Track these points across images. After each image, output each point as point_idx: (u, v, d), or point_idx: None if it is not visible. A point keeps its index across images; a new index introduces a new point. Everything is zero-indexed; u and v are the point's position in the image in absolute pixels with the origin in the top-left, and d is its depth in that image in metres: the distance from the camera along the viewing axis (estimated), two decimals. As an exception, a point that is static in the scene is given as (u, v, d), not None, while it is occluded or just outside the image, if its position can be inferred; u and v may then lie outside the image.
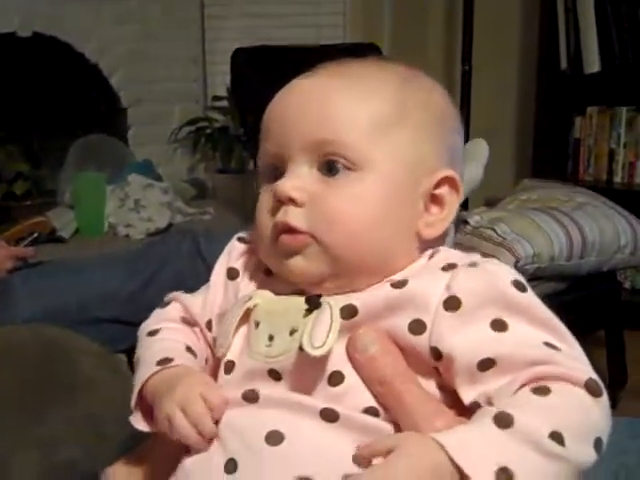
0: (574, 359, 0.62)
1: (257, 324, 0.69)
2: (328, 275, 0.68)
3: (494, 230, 2.10)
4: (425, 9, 3.50)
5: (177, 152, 3.45)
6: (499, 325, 0.63)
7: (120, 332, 1.61)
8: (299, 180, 0.68)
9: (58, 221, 2.55)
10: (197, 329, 0.78)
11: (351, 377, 0.65)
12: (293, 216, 0.68)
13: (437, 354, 0.64)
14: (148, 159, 3.05)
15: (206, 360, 0.76)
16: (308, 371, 0.66)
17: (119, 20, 3.18)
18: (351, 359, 0.66)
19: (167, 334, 0.77)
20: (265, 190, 0.72)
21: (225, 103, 3.39)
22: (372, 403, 0.65)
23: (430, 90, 0.73)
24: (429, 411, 0.64)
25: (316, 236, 0.67)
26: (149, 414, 0.72)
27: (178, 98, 3.45)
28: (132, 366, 1.40)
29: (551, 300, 2.06)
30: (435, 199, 0.71)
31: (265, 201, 0.71)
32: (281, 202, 0.68)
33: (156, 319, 0.79)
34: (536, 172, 2.99)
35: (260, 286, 0.74)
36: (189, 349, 0.75)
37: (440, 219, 0.71)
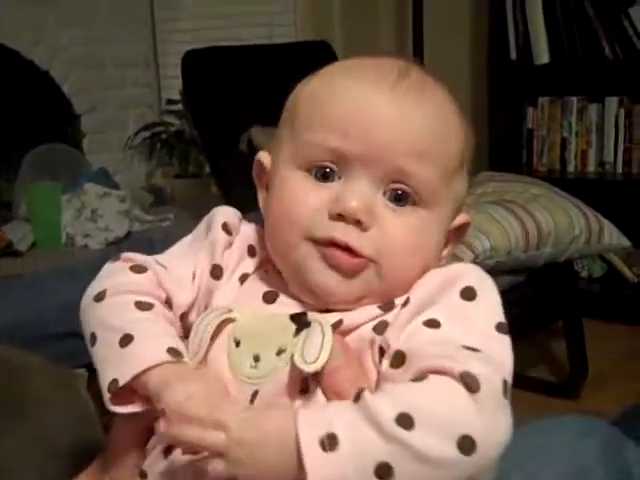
0: (479, 359, 0.61)
1: (237, 343, 0.68)
2: (362, 297, 0.68)
3: (451, 225, 2.12)
4: (375, 5, 3.51)
5: (133, 159, 3.43)
6: (432, 323, 0.65)
7: (80, 347, 1.60)
8: (366, 199, 0.66)
9: (14, 234, 2.51)
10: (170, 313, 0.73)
11: (316, 391, 0.66)
12: (356, 239, 0.66)
13: (382, 353, 0.66)
14: (104, 167, 3.03)
15: None
16: (283, 388, 0.66)
17: (66, 24, 3.14)
18: (316, 374, 0.65)
19: (162, 316, 0.71)
20: (304, 179, 0.68)
21: (180, 107, 3.37)
22: None
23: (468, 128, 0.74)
24: None
25: (377, 261, 0.67)
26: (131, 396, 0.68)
27: (132, 103, 3.42)
28: (91, 381, 1.38)
29: (510, 293, 2.08)
30: (447, 241, 0.73)
31: (305, 191, 0.68)
32: (342, 217, 0.66)
33: (136, 286, 0.72)
34: (492, 164, 3.02)
35: (242, 292, 0.73)
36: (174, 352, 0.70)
37: (443, 256, 0.73)
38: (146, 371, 0.66)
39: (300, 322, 0.67)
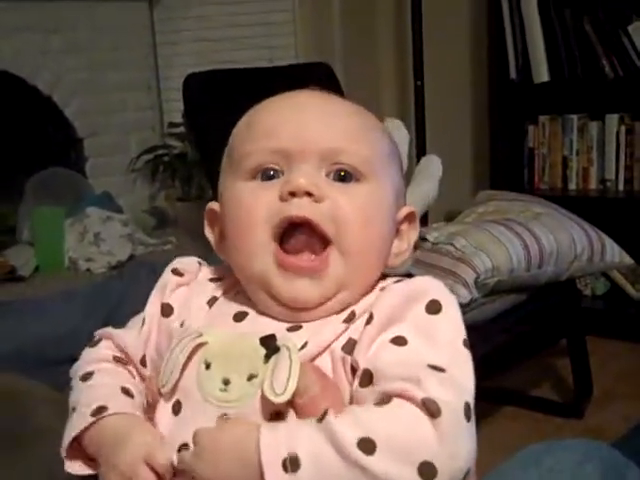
0: (443, 382, 0.62)
1: (208, 365, 0.69)
2: (333, 295, 0.70)
3: (453, 245, 2.12)
4: (374, 26, 3.53)
5: (136, 182, 3.44)
6: (399, 340, 0.65)
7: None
8: (311, 178, 0.69)
9: (17, 259, 2.52)
10: (131, 367, 0.78)
11: (292, 418, 0.66)
12: (314, 210, 0.68)
13: (353, 372, 0.67)
14: (107, 191, 3.04)
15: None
16: (254, 414, 0.66)
17: (69, 50, 3.17)
18: (292, 402, 0.66)
19: (100, 378, 0.76)
20: (252, 185, 0.71)
21: (182, 129, 3.38)
22: None
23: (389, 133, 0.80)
24: None
25: (338, 238, 0.69)
26: (88, 458, 0.73)
27: (134, 127, 3.43)
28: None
29: (512, 312, 2.08)
30: (397, 232, 0.76)
31: (256, 194, 0.71)
32: (293, 195, 0.68)
33: (87, 360, 0.79)
34: (494, 183, 3.03)
35: (205, 320, 0.74)
36: (125, 390, 0.75)
37: (401, 251, 0.76)
38: (78, 438, 0.72)
39: (269, 346, 0.67)
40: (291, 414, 0.66)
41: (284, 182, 0.69)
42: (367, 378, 0.64)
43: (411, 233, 0.77)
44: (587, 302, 2.91)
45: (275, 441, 0.59)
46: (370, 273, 0.72)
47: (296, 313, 0.70)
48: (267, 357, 0.67)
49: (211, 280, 0.78)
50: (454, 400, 0.61)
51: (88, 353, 0.80)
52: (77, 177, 3.10)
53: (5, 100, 3.08)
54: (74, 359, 1.70)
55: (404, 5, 3.28)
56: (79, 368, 0.79)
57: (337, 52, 3.39)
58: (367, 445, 0.57)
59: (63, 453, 0.73)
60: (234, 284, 0.75)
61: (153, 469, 0.67)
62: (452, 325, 0.67)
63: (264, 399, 0.66)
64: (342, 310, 0.71)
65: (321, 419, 0.60)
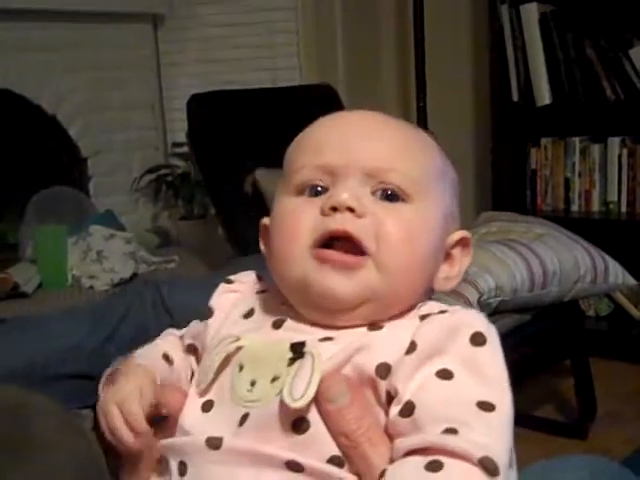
0: (493, 427, 0.62)
1: (241, 367, 0.70)
2: (365, 300, 0.69)
3: (456, 265, 2.12)
4: (378, 48, 3.55)
5: (139, 201, 3.45)
6: (445, 374, 0.65)
7: (83, 388, 1.60)
8: (356, 192, 0.70)
9: (20, 276, 2.52)
10: (173, 366, 0.79)
11: (317, 425, 0.66)
12: (355, 225, 0.69)
13: (390, 398, 0.66)
14: (110, 209, 3.05)
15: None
16: (276, 417, 0.66)
17: (73, 70, 3.19)
18: (320, 407, 0.66)
19: (158, 340, 0.81)
20: (298, 200, 0.72)
21: (185, 149, 3.40)
22: (337, 452, 0.65)
23: (451, 165, 0.79)
24: None
25: (374, 254, 0.69)
26: None
27: (138, 146, 3.45)
28: (96, 422, 1.38)
29: (516, 333, 2.08)
30: (448, 257, 0.75)
31: (300, 209, 0.71)
32: (335, 210, 0.69)
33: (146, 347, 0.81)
34: (496, 204, 3.04)
35: (243, 327, 0.74)
36: (166, 356, 0.77)
37: (451, 276, 0.75)
38: None
39: (296, 351, 0.68)
40: (315, 420, 0.66)
41: (327, 197, 0.70)
42: (409, 409, 0.64)
43: (464, 259, 0.76)
44: (591, 323, 2.91)
45: None
46: (406, 293, 0.71)
47: (331, 316, 0.70)
48: (291, 361, 0.68)
49: (258, 292, 0.79)
50: (504, 447, 0.62)
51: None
52: (80, 196, 3.11)
53: (9, 119, 3.10)
54: (77, 375, 1.70)
55: (407, 27, 3.31)
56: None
57: (340, 74, 3.41)
58: None
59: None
60: (280, 295, 0.76)
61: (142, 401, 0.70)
62: (497, 358, 0.67)
63: (281, 404, 0.66)
64: (373, 324, 0.71)
65: None
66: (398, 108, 3.48)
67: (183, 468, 0.68)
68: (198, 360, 0.78)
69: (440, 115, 3.19)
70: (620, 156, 2.99)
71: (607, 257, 2.26)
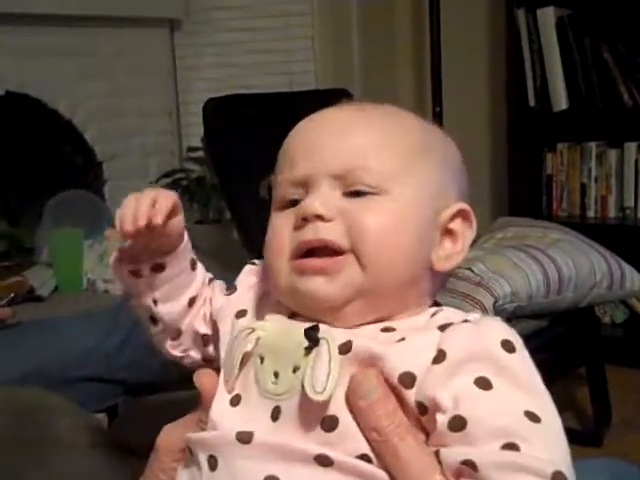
0: (547, 442, 0.62)
1: (262, 359, 0.70)
2: (352, 298, 0.69)
3: (471, 270, 2.11)
4: (394, 53, 3.55)
5: (154, 205, 3.45)
6: (483, 383, 0.63)
7: (99, 391, 1.60)
8: (325, 198, 0.70)
9: (36, 280, 2.53)
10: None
11: (346, 421, 0.65)
12: (326, 231, 0.69)
13: (422, 408, 0.65)
14: (125, 213, 3.05)
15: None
16: (306, 412, 0.66)
17: (90, 75, 3.20)
18: (350, 404, 0.65)
19: None
20: (280, 216, 0.74)
21: (201, 154, 3.41)
22: (366, 450, 0.65)
23: (447, 139, 0.78)
24: (423, 466, 0.64)
25: (353, 250, 0.69)
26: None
27: (154, 150, 3.46)
28: (111, 425, 1.39)
29: (532, 338, 2.06)
30: (449, 232, 0.73)
31: (280, 225, 0.73)
32: (306, 220, 0.70)
33: None
34: (512, 209, 3.03)
35: (260, 316, 0.75)
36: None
37: (454, 252, 0.73)
38: None
39: (311, 338, 0.68)
40: (344, 415, 0.66)
41: (297, 208, 0.71)
42: (459, 424, 0.62)
43: (467, 233, 0.73)
44: (606, 330, 2.89)
45: None
46: (398, 281, 0.70)
47: (325, 316, 0.70)
48: (307, 349, 0.68)
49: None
50: (567, 458, 0.62)
51: None
52: (96, 200, 3.12)
53: (26, 123, 3.12)
54: (92, 378, 1.70)
55: (423, 31, 3.30)
56: None
57: (356, 78, 3.41)
58: None
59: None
60: None
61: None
62: (529, 364, 0.66)
63: (305, 394, 0.66)
64: (374, 322, 0.71)
65: None
66: (414, 113, 3.47)
67: (213, 462, 0.68)
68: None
69: (456, 120, 3.19)
70: (637, 161, 2.97)
71: (623, 263, 2.24)
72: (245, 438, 0.66)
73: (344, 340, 0.67)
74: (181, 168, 3.50)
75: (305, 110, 2.80)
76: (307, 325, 0.69)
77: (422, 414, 0.65)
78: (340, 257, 0.69)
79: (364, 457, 0.65)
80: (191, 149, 3.49)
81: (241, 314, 0.77)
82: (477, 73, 3.37)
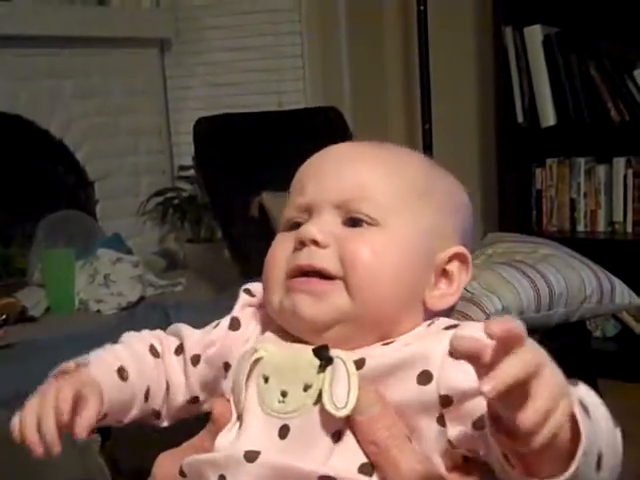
0: None
1: (266, 379, 0.72)
2: (336, 322, 0.71)
3: (462, 286, 2.12)
4: (383, 71, 3.58)
5: (146, 224, 3.46)
6: None
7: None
8: (323, 225, 0.73)
9: (28, 300, 2.53)
10: (163, 359, 0.81)
11: (348, 434, 0.68)
12: (319, 257, 0.72)
13: (446, 400, 0.66)
14: (117, 233, 3.06)
15: (168, 387, 0.80)
16: (319, 428, 0.68)
17: (81, 95, 3.22)
18: (349, 419, 0.67)
19: (119, 348, 0.81)
20: (283, 236, 0.76)
21: (192, 172, 3.42)
22: (366, 460, 0.67)
23: (452, 181, 0.80)
24: (424, 477, 0.66)
25: (342, 277, 0.71)
26: None
27: (145, 170, 3.47)
28: (104, 446, 1.38)
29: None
30: (445, 274, 0.75)
31: (281, 245, 0.75)
32: (303, 244, 0.72)
33: (131, 336, 0.83)
34: (502, 225, 3.04)
35: (262, 339, 0.76)
36: (120, 370, 0.78)
37: (448, 293, 0.75)
38: None
39: (322, 357, 0.69)
40: (346, 429, 0.67)
41: (296, 232, 0.74)
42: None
43: (462, 275, 0.76)
44: (598, 344, 2.90)
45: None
46: (386, 311, 0.72)
47: (310, 337, 0.72)
48: (321, 367, 0.69)
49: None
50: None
51: (135, 332, 0.84)
52: (88, 219, 3.13)
53: (18, 144, 3.13)
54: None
55: (412, 50, 3.33)
56: (126, 335, 0.83)
57: (345, 97, 3.43)
58: (600, 461, 0.60)
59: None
60: None
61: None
62: None
63: (323, 412, 0.67)
64: (368, 344, 0.72)
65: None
66: (404, 130, 3.50)
67: None
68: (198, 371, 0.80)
69: (446, 137, 3.21)
70: (625, 176, 3.00)
71: (613, 277, 2.25)
72: (252, 457, 0.67)
73: (356, 357, 0.69)
74: (172, 187, 3.51)
75: (295, 129, 2.83)
76: (311, 347, 0.71)
77: (446, 406, 0.66)
78: (328, 282, 0.71)
79: (364, 467, 0.67)
80: (182, 168, 3.50)
81: (235, 327, 0.79)
82: (466, 91, 3.39)
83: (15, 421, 0.72)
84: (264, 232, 2.56)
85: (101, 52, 3.28)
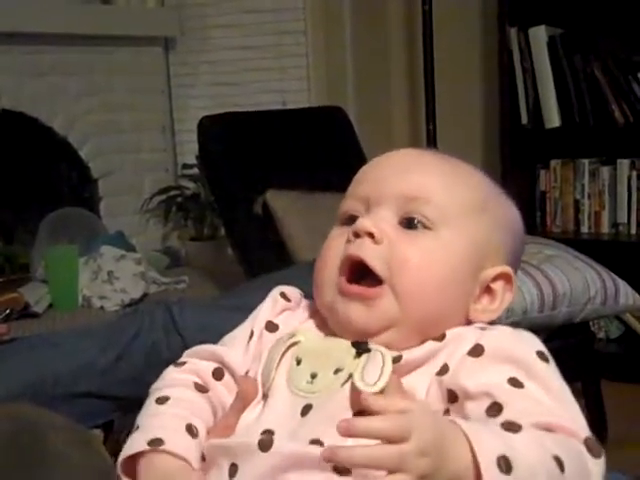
0: (577, 423, 0.66)
1: (298, 362, 0.73)
2: (385, 329, 0.72)
3: (466, 286, 2.12)
4: (387, 70, 3.57)
5: (149, 222, 3.46)
6: (515, 382, 0.67)
7: (94, 407, 1.60)
8: (379, 221, 0.74)
9: (31, 296, 2.53)
10: (212, 393, 0.79)
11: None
12: (369, 252, 0.72)
13: (452, 396, 0.68)
14: (120, 230, 3.06)
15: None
16: (339, 406, 0.68)
17: (85, 93, 3.22)
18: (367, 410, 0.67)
19: (171, 407, 0.77)
20: (338, 231, 0.77)
21: (195, 171, 3.42)
22: None
23: (509, 203, 0.82)
24: None
25: (389, 281, 0.72)
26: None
27: (148, 168, 3.47)
28: (107, 441, 1.39)
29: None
30: (489, 291, 0.77)
31: (335, 240, 0.76)
32: (357, 236, 0.73)
33: (168, 381, 0.80)
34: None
35: (302, 327, 0.78)
36: (189, 428, 0.75)
37: (490, 310, 0.76)
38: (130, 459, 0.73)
39: (361, 347, 0.71)
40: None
41: (352, 226, 0.74)
42: (496, 408, 0.65)
43: (506, 294, 0.77)
44: (601, 345, 2.90)
45: (486, 440, 0.59)
46: (430, 318, 0.73)
47: (359, 339, 0.73)
48: (358, 354, 0.70)
49: (309, 311, 0.81)
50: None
51: (169, 373, 0.81)
52: (91, 217, 3.13)
53: (22, 141, 3.13)
54: (87, 394, 1.70)
55: (416, 49, 3.33)
56: (157, 388, 0.80)
57: (350, 96, 3.43)
58: (560, 463, 0.60)
59: (119, 468, 0.75)
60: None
61: None
62: (560, 377, 0.69)
63: (349, 393, 0.68)
64: (418, 344, 0.73)
65: (507, 428, 0.62)
66: (408, 130, 3.50)
67: (234, 470, 0.69)
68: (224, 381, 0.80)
69: (449, 138, 3.20)
70: (630, 178, 2.99)
71: (617, 278, 2.25)
72: (266, 444, 0.67)
73: (395, 355, 0.70)
74: (176, 185, 3.51)
75: (299, 128, 2.83)
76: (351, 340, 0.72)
77: (452, 401, 0.68)
78: (378, 287, 0.72)
79: None
80: (186, 166, 3.50)
81: (272, 329, 0.79)
82: (470, 91, 3.39)
83: None
84: (268, 230, 2.56)
85: (106, 50, 3.28)
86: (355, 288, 0.72)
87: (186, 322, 1.77)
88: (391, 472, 0.57)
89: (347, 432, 0.58)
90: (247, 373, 0.78)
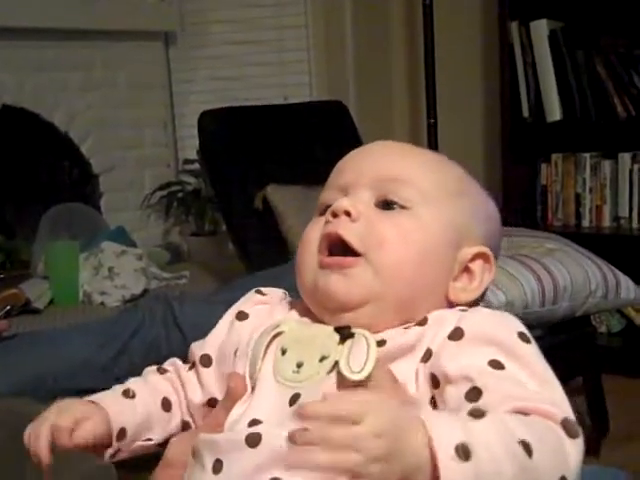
0: (556, 404, 0.64)
1: (284, 352, 0.73)
2: (365, 301, 0.72)
3: (467, 280, 2.11)
4: (388, 65, 3.57)
5: (150, 217, 3.46)
6: (496, 364, 0.67)
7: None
8: (355, 202, 0.75)
9: (32, 292, 2.53)
10: (170, 375, 0.83)
11: None
12: (346, 228, 0.74)
13: (435, 381, 0.68)
14: (121, 226, 3.06)
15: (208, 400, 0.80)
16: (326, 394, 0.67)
17: (86, 88, 3.22)
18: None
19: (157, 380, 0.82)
20: (316, 220, 0.78)
21: (196, 166, 3.42)
22: None
23: (486, 195, 0.83)
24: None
25: (367, 254, 0.73)
26: None
27: (149, 163, 3.47)
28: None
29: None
30: (468, 271, 0.77)
31: (314, 227, 0.77)
32: (335, 215, 0.74)
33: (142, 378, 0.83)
34: (507, 220, 3.03)
35: (284, 318, 0.78)
36: (126, 392, 0.81)
37: (470, 289, 0.76)
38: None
39: (344, 332, 0.71)
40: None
41: (330, 209, 0.76)
42: (476, 393, 0.65)
43: (485, 274, 0.77)
44: (602, 340, 2.90)
45: (444, 428, 0.59)
46: (408, 294, 0.73)
47: (338, 317, 0.73)
48: (342, 340, 0.70)
49: (291, 305, 0.81)
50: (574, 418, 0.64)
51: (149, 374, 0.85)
52: (92, 212, 3.13)
53: (23, 137, 3.13)
54: (87, 390, 1.71)
55: (417, 43, 3.32)
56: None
57: (351, 91, 3.42)
58: (527, 447, 0.59)
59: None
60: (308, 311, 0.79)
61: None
62: (542, 358, 0.69)
63: (336, 380, 0.68)
64: (398, 326, 0.73)
65: (473, 414, 0.61)
66: (409, 124, 3.49)
67: (219, 466, 0.68)
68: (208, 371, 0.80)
69: (451, 131, 3.20)
70: (631, 172, 2.99)
71: (618, 272, 2.25)
72: (254, 440, 0.66)
73: (379, 338, 0.70)
74: (177, 180, 3.51)
75: (300, 122, 2.82)
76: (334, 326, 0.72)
77: (434, 387, 0.68)
78: (354, 258, 0.73)
79: None
80: (187, 161, 3.50)
81: (241, 317, 0.80)
82: (471, 85, 3.39)
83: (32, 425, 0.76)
84: (268, 225, 2.56)
85: (106, 45, 3.27)
86: (333, 258, 0.74)
87: (186, 317, 1.78)
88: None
89: (300, 417, 0.58)
90: (205, 357, 0.80)
